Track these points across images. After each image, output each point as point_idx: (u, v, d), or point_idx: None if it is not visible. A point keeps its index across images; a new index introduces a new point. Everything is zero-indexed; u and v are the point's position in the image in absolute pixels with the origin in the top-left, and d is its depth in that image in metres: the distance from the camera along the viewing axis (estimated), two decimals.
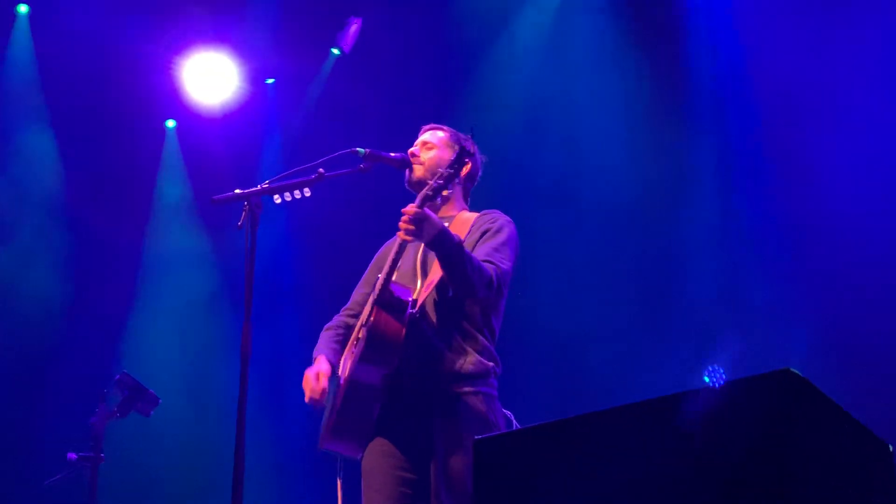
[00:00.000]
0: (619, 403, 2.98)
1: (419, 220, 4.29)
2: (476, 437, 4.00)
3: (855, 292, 8.02)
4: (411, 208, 4.33)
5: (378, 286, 4.54)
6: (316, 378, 4.61)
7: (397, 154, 4.88)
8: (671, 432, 2.81)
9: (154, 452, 8.67)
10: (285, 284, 9.62)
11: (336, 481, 4.77)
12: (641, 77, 9.01)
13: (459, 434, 4.40)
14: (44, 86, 9.52)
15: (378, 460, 4.54)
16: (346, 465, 4.77)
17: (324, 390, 4.59)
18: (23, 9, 9.55)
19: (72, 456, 5.63)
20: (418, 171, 4.85)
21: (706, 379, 7.57)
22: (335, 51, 9.75)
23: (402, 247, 4.50)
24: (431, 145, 4.95)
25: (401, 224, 4.35)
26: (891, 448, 3.00)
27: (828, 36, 8.28)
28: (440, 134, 5.01)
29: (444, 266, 4.41)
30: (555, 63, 9.28)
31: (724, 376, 7.46)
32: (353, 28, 9.60)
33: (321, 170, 4.66)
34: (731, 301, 8.44)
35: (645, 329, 8.48)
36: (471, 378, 4.50)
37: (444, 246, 4.32)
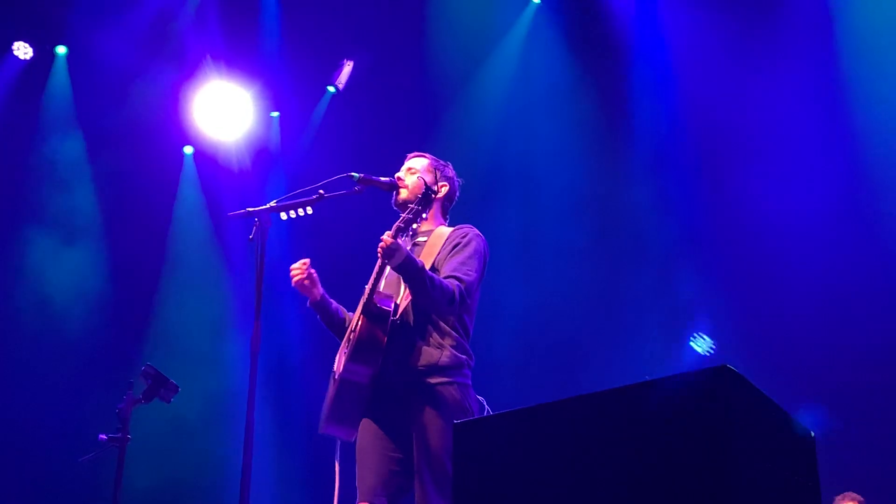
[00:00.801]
0: (584, 388, 2.99)
1: (390, 250, 4.34)
2: (454, 421, 4.05)
3: (774, 292, 8.09)
4: (387, 239, 4.36)
5: (364, 297, 4.56)
6: (303, 264, 4.74)
7: (386, 178, 4.88)
8: (624, 421, 2.81)
9: (173, 433, 8.61)
10: (288, 290, 9.58)
11: (334, 464, 4.78)
12: (592, 109, 9.10)
13: (437, 419, 4.42)
14: (78, 113, 9.51)
15: (370, 441, 4.54)
16: (344, 449, 4.77)
17: (304, 272, 4.72)
18: (61, 49, 9.54)
19: (102, 437, 5.57)
20: (403, 194, 4.82)
21: (693, 344, 7.60)
22: (331, 88, 9.75)
23: (384, 264, 4.53)
24: (415, 171, 4.92)
25: (378, 249, 4.39)
26: (812, 434, 3.00)
27: (750, 81, 8.36)
28: (423, 161, 4.99)
29: (409, 288, 4.47)
30: (518, 98, 9.36)
31: (708, 341, 7.51)
32: (347, 69, 9.61)
33: (321, 191, 4.68)
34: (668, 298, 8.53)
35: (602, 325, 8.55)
36: (446, 370, 4.50)
37: (409, 272, 4.39)
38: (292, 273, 4.75)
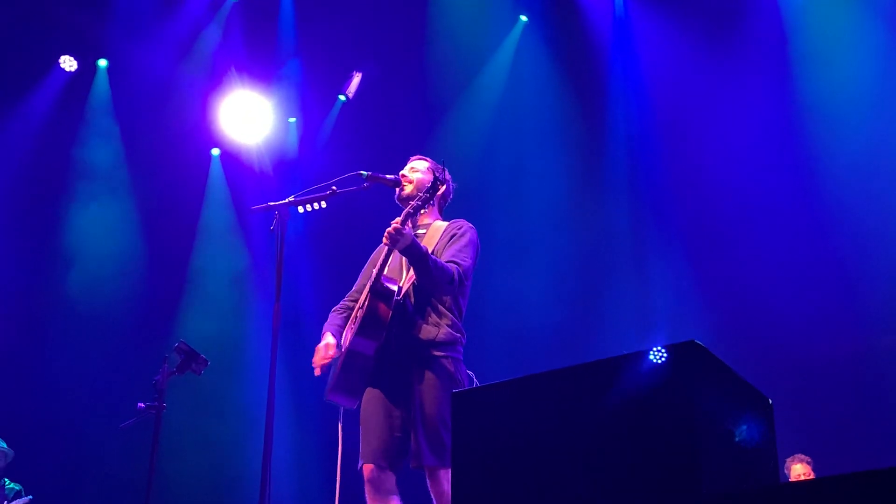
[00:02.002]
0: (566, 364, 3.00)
1: (398, 235, 4.36)
2: (447, 390, 4.09)
3: (742, 281, 8.11)
4: (394, 225, 4.39)
5: (372, 278, 4.58)
6: (325, 349, 4.66)
7: (391, 176, 4.88)
8: (603, 390, 2.81)
9: (204, 402, 8.62)
10: (304, 275, 9.57)
11: (338, 426, 4.78)
12: (574, 116, 9.11)
13: (433, 387, 4.43)
14: (118, 119, 9.49)
15: (374, 409, 4.55)
16: (347, 416, 4.77)
17: (330, 359, 4.63)
18: (102, 62, 9.51)
19: (141, 405, 5.57)
20: (407, 189, 4.83)
21: None
22: (342, 97, 9.73)
23: (391, 250, 4.53)
24: (417, 170, 4.94)
25: (385, 235, 4.41)
26: (770, 402, 3.00)
27: (715, 90, 8.36)
28: (424, 163, 5.00)
29: (414, 268, 4.49)
30: (507, 104, 9.35)
31: None
32: (356, 80, 9.59)
33: (334, 187, 4.67)
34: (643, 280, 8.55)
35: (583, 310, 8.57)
36: (442, 345, 4.53)
37: (414, 254, 4.42)
38: (315, 358, 4.69)
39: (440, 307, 4.60)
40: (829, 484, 2.30)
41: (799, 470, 7.10)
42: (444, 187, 4.92)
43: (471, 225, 4.82)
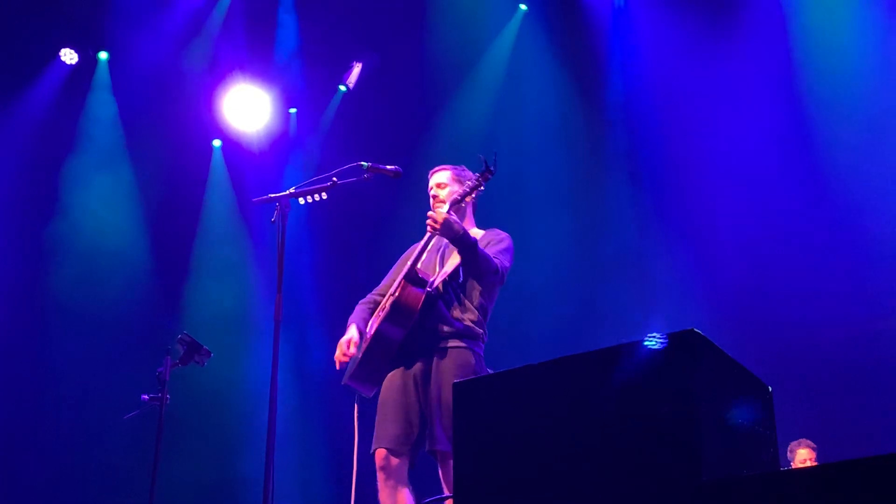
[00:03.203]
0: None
1: (446, 223, 4.39)
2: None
3: (734, 270, 8.12)
4: (440, 214, 4.41)
5: (407, 267, 4.61)
6: (347, 344, 4.68)
7: (392, 167, 4.83)
8: (605, 379, 2.82)
9: (207, 393, 8.63)
10: (304, 266, 9.58)
11: (353, 407, 4.78)
12: (573, 104, 9.11)
13: (452, 374, 4.43)
14: (119, 112, 9.48)
15: (393, 396, 4.56)
16: (361, 403, 4.78)
17: (351, 357, 4.66)
18: (103, 55, 9.50)
19: (144, 397, 5.61)
20: (443, 209, 4.63)
21: None
22: (342, 87, 9.72)
23: (428, 242, 4.56)
24: (444, 185, 4.86)
25: (429, 224, 4.42)
26: (770, 389, 3.01)
27: (714, 77, 8.36)
28: (447, 173, 4.91)
29: (463, 255, 4.50)
30: (507, 93, 9.34)
31: None
32: (356, 70, 9.57)
33: (334, 178, 4.66)
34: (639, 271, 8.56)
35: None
36: (465, 337, 4.57)
37: (464, 242, 4.44)
38: (338, 352, 4.72)
39: (468, 303, 4.64)
40: (829, 471, 2.31)
41: (804, 455, 7.14)
42: (475, 189, 4.70)
43: (507, 234, 4.85)
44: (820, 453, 7.14)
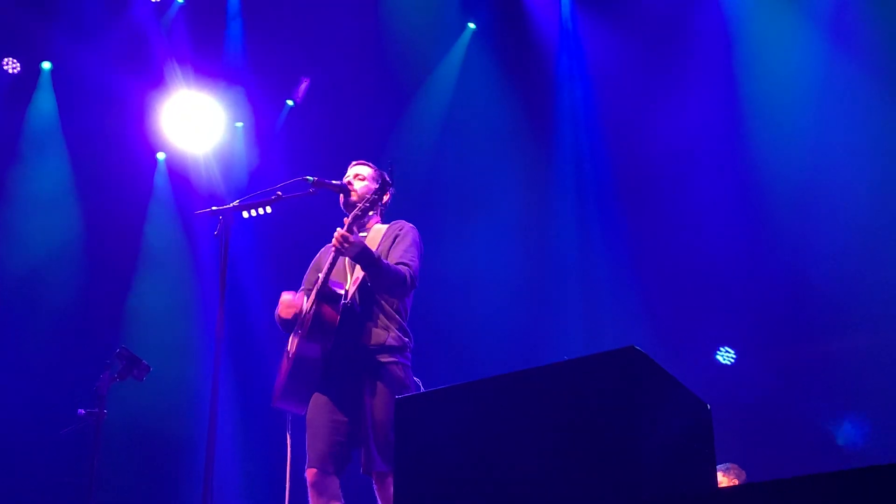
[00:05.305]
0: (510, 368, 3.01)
1: (349, 242, 4.36)
2: (396, 396, 4.05)
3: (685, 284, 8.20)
4: (343, 232, 4.39)
5: (318, 283, 4.55)
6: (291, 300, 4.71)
7: (337, 182, 4.86)
8: (547, 395, 2.82)
9: (146, 409, 8.49)
10: (249, 279, 9.49)
11: (286, 433, 4.75)
12: (520, 121, 9.17)
13: (383, 393, 4.43)
14: (61, 122, 9.33)
15: (320, 414, 4.52)
16: (295, 422, 4.74)
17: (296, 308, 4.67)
18: (46, 65, 9.35)
19: (81, 411, 5.50)
20: (353, 196, 4.81)
21: (719, 357, 7.68)
22: (290, 102, 9.69)
23: (337, 255, 4.50)
24: (362, 177, 4.93)
25: (335, 242, 4.39)
26: (708, 407, 3.04)
27: (659, 99, 8.45)
28: (368, 169, 4.99)
29: (368, 273, 4.47)
30: (456, 110, 9.38)
31: (730, 352, 7.57)
32: (304, 85, 9.55)
33: (279, 192, 4.65)
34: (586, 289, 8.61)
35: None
36: (393, 350, 4.53)
37: (368, 259, 4.42)
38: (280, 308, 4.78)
39: (388, 309, 4.60)
40: (763, 489, 2.33)
41: (720, 479, 6.63)
42: (389, 193, 4.91)
43: (412, 225, 4.84)
44: (751, 475, 6.96)
